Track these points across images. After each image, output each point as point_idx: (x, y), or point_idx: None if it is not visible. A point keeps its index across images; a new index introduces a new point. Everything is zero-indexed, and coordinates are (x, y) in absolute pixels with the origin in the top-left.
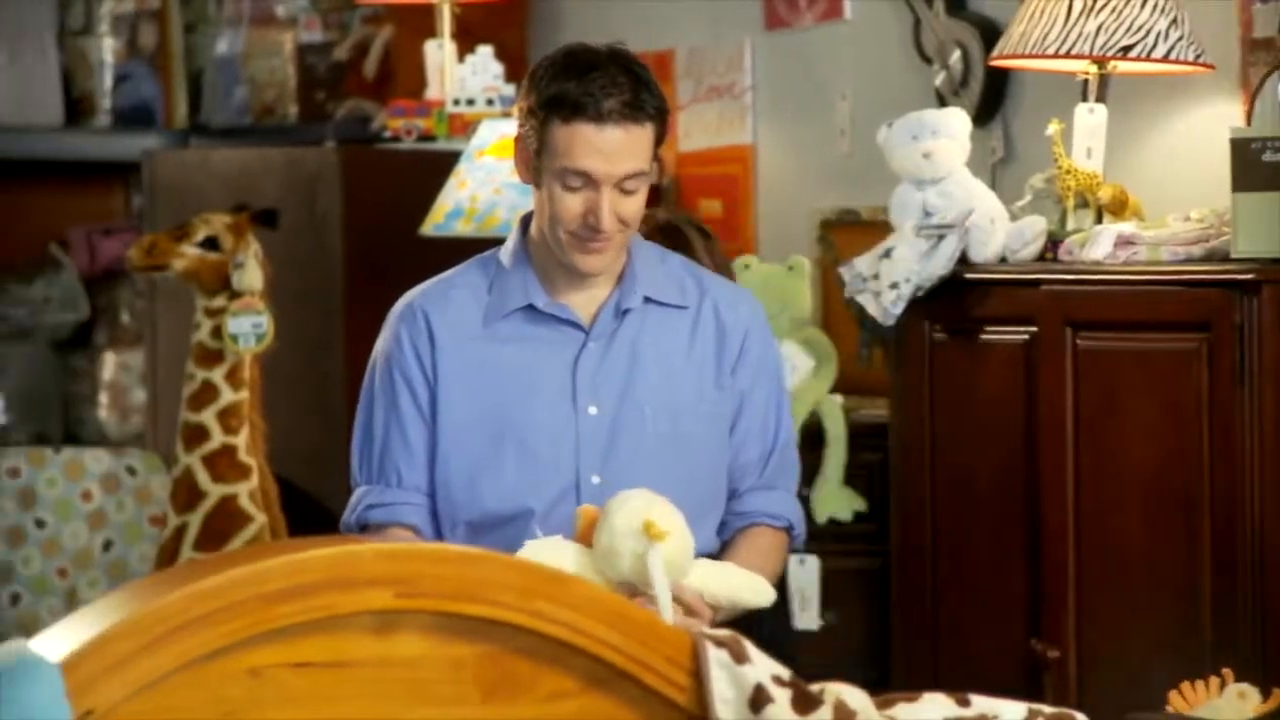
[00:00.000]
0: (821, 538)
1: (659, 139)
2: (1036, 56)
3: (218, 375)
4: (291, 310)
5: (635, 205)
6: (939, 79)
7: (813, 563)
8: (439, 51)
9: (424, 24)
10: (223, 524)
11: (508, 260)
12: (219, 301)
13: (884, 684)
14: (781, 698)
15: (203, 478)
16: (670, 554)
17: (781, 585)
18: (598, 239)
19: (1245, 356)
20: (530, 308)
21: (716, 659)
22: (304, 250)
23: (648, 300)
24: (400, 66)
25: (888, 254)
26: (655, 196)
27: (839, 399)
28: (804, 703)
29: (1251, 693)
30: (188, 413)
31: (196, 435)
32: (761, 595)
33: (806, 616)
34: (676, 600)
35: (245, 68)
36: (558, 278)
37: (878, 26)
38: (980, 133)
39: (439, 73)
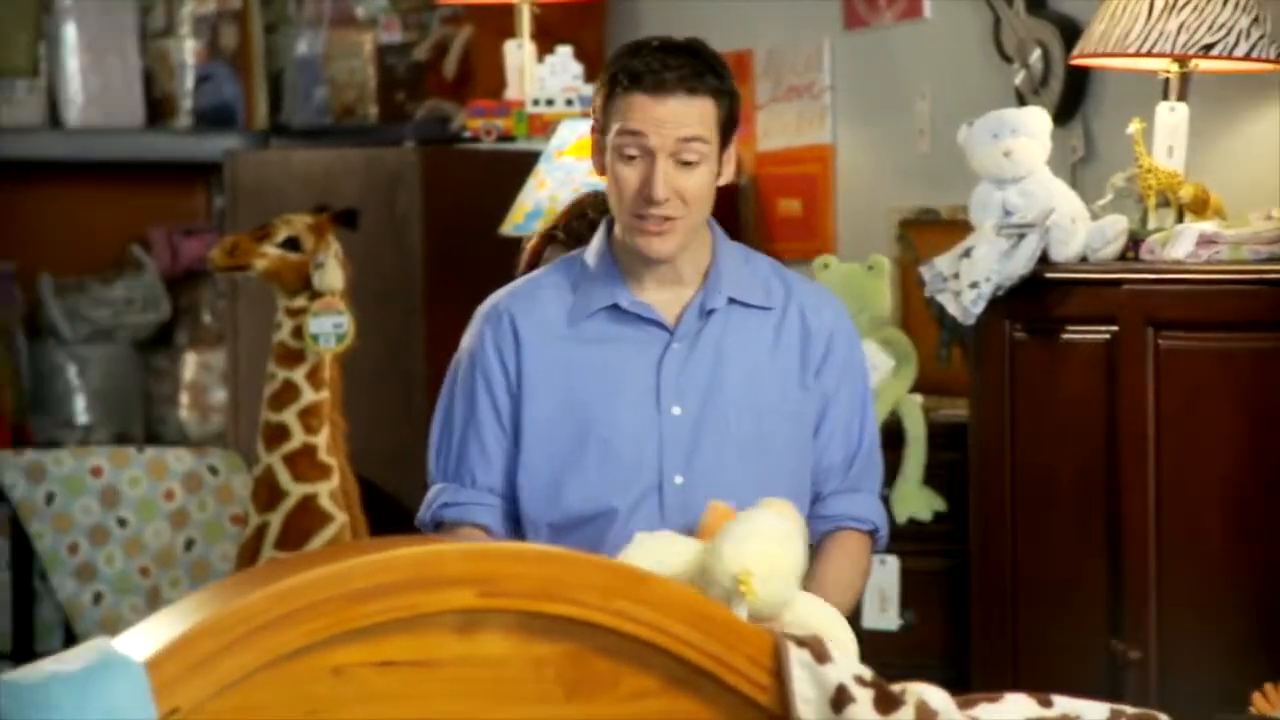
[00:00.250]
0: (901, 538)
1: (725, 121)
2: (1117, 55)
3: (299, 375)
4: (372, 310)
5: (696, 181)
6: (1019, 78)
7: (892, 563)
8: (518, 52)
9: (503, 24)
10: (303, 523)
11: (592, 261)
12: (300, 301)
13: (963, 684)
14: (863, 698)
15: (284, 477)
16: (757, 609)
17: None
18: (657, 215)
19: None
20: (614, 307)
21: (798, 659)
22: (384, 250)
23: (732, 301)
24: (479, 67)
25: (968, 253)
26: (733, 196)
27: (918, 399)
28: (886, 703)
29: None
30: (269, 412)
31: (277, 435)
32: (842, 645)
33: (886, 617)
34: None
35: (325, 68)
36: (642, 277)
37: (957, 25)
38: (1060, 132)
39: (518, 73)
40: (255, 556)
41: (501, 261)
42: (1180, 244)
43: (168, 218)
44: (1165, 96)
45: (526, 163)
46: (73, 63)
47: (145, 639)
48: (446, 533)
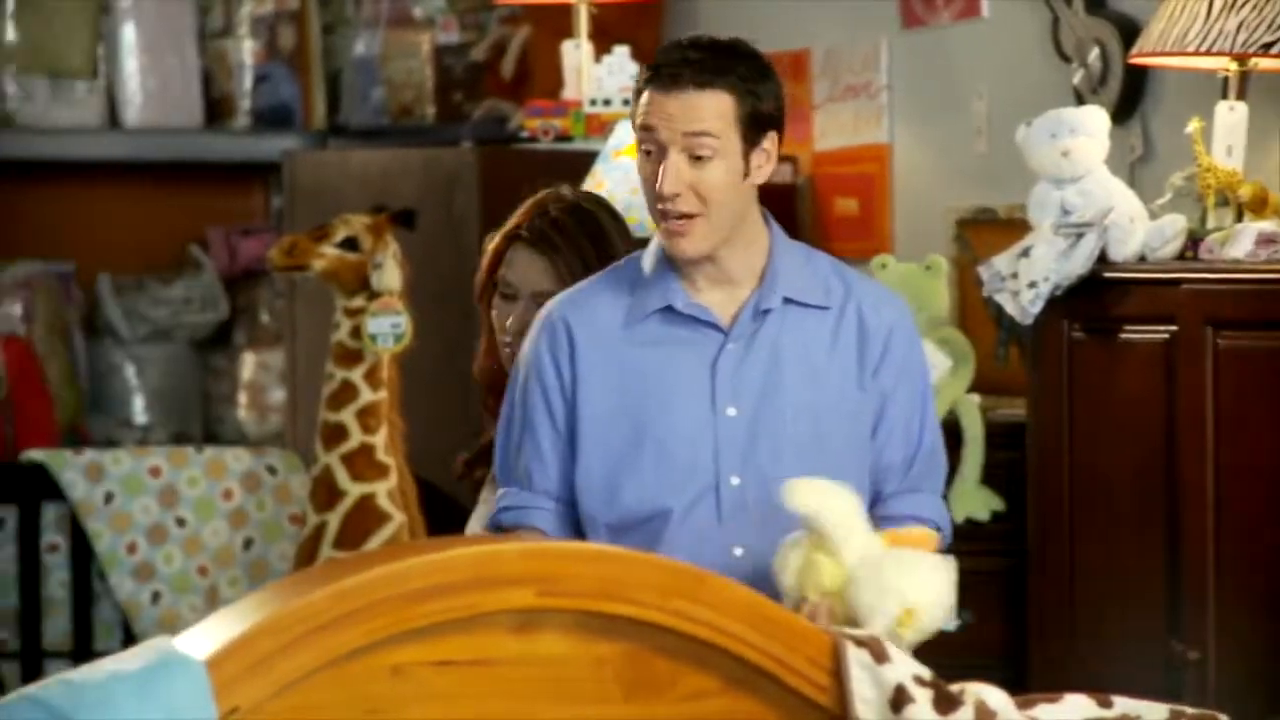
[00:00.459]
0: (958, 537)
1: (747, 118)
2: (1176, 54)
3: (357, 375)
4: (429, 310)
5: (710, 177)
6: (1077, 77)
7: (950, 562)
8: (576, 52)
9: (561, 24)
10: (361, 523)
11: (648, 263)
12: (358, 301)
13: (1021, 684)
14: (922, 698)
15: (342, 477)
16: (909, 640)
17: None
18: (674, 211)
19: None
20: (669, 309)
21: (857, 659)
22: (441, 251)
23: (788, 301)
24: (537, 67)
25: (1026, 253)
26: (790, 195)
27: (976, 398)
28: (945, 703)
29: None
30: (327, 412)
31: (335, 434)
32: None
33: None
34: None
35: (383, 69)
36: (695, 278)
37: (1015, 25)
38: (1119, 131)
39: (576, 73)
40: (313, 556)
41: None
42: (1239, 243)
43: (226, 218)
44: (1224, 95)
45: (584, 163)
46: (131, 63)
47: (205, 638)
48: (504, 535)
